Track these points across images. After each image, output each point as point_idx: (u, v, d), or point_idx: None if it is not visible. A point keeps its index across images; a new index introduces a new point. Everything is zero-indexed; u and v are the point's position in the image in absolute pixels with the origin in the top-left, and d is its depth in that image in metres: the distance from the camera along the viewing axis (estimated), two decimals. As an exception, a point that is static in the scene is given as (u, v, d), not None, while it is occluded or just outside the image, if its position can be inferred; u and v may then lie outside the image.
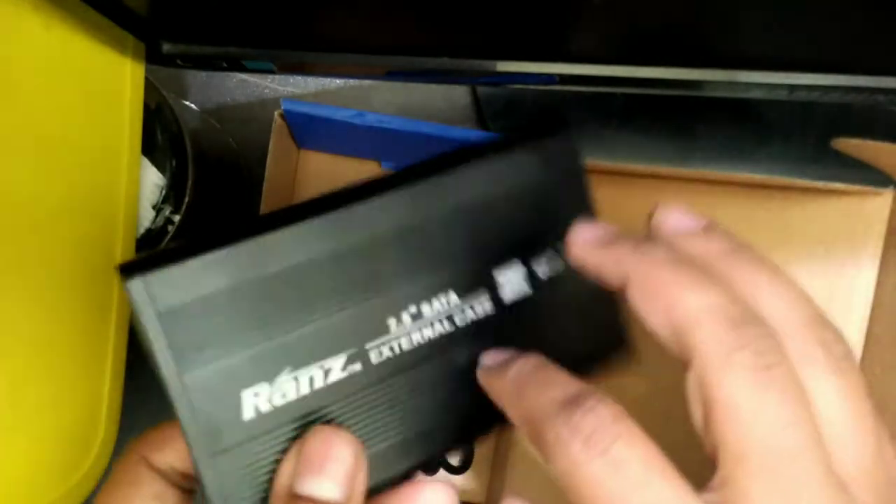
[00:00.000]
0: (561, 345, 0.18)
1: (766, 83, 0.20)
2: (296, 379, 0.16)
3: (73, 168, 0.20)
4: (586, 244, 0.17)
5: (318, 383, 0.16)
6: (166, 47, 0.22)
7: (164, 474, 0.17)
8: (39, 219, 0.19)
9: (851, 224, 0.30)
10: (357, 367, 0.16)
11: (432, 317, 0.17)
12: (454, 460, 0.34)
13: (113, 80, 0.22)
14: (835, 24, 0.17)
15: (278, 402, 0.16)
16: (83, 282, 0.21)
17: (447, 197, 0.17)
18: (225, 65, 0.23)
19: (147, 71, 0.23)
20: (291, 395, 0.16)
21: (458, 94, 0.35)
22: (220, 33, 0.22)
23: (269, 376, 0.16)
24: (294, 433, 0.16)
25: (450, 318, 0.17)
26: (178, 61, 0.23)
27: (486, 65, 0.21)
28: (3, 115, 0.18)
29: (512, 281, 0.18)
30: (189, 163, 0.27)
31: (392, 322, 0.17)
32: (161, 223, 0.26)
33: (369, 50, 0.21)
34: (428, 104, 0.36)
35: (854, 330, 0.30)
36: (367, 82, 0.36)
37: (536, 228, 0.18)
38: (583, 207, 0.19)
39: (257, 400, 0.16)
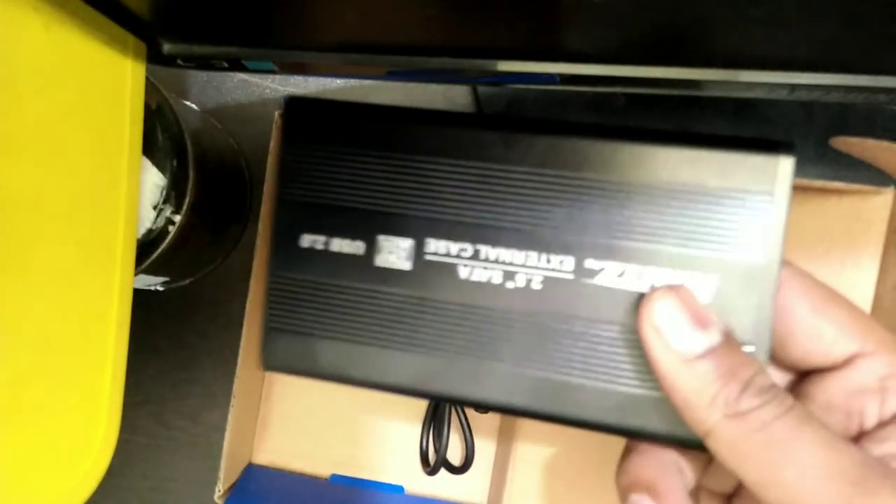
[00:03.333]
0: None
1: (766, 83, 0.20)
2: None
3: (73, 168, 0.20)
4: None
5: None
6: (167, 47, 0.22)
7: None
8: (39, 219, 0.19)
9: (851, 223, 0.30)
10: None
11: (493, 266, 0.17)
12: (455, 460, 0.34)
13: (113, 80, 0.21)
14: (835, 24, 0.17)
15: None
16: (83, 282, 0.21)
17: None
18: (226, 65, 0.23)
19: (148, 71, 0.23)
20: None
21: (459, 94, 0.35)
22: (221, 33, 0.22)
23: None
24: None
25: (514, 272, 0.17)
26: (179, 61, 0.23)
27: (487, 64, 0.21)
28: (3, 114, 0.18)
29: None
30: (190, 163, 0.27)
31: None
32: (162, 223, 0.26)
33: (370, 50, 0.21)
34: (428, 104, 0.36)
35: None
36: (367, 82, 0.36)
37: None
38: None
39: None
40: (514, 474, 0.32)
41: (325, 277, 0.18)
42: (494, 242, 0.17)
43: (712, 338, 0.16)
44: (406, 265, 0.18)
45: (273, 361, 0.19)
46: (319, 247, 0.18)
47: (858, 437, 0.17)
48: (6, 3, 0.17)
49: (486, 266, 0.18)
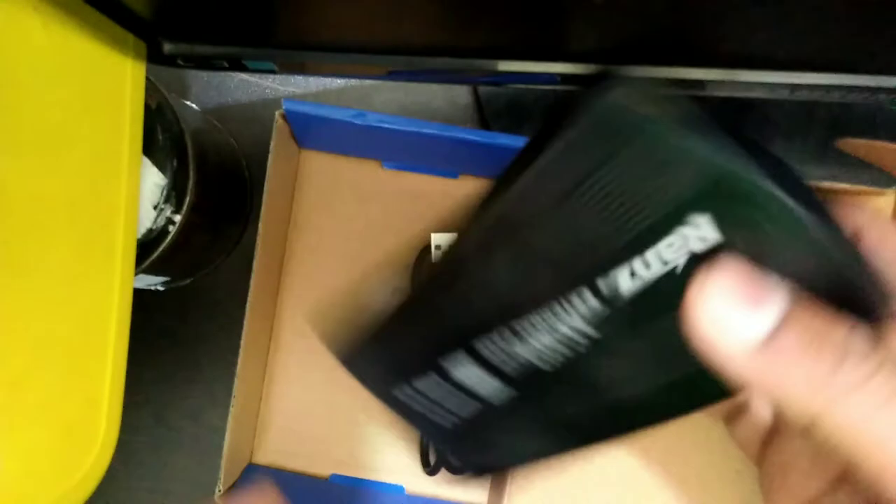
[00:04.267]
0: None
1: (767, 83, 0.20)
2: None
3: (73, 168, 0.20)
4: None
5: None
6: (167, 47, 0.22)
7: None
8: (39, 218, 0.19)
9: (853, 224, 0.30)
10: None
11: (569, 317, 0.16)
12: (456, 460, 0.34)
13: (113, 79, 0.21)
14: (836, 23, 0.17)
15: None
16: (83, 282, 0.21)
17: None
18: (226, 65, 0.23)
19: (148, 71, 0.23)
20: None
21: (459, 94, 0.35)
22: (222, 33, 0.22)
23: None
24: None
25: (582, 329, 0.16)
26: (180, 61, 0.23)
27: (488, 64, 0.21)
28: (3, 114, 0.18)
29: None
30: (190, 163, 0.27)
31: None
32: (162, 223, 0.26)
33: (370, 50, 0.21)
34: (429, 104, 0.36)
35: (856, 330, 0.30)
36: (368, 82, 0.36)
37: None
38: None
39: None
40: (515, 474, 0.32)
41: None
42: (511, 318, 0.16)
43: (776, 308, 0.12)
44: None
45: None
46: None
47: None
48: (6, 3, 0.17)
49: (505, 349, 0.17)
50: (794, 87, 0.20)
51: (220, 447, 0.30)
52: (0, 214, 0.18)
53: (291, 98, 0.29)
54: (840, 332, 0.12)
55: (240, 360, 0.30)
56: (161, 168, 0.26)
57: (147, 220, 0.26)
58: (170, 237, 0.27)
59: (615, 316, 0.15)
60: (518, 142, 0.28)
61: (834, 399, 0.12)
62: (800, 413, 0.12)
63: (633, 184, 0.13)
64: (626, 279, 0.15)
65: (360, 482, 0.35)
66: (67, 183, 0.20)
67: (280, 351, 0.36)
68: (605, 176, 0.14)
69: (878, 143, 0.27)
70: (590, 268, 0.15)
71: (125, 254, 0.23)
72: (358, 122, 0.28)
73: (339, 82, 0.36)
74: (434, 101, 0.36)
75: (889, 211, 0.30)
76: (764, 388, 0.13)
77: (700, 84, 0.20)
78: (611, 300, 0.15)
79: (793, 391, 0.12)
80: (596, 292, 0.15)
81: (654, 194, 0.13)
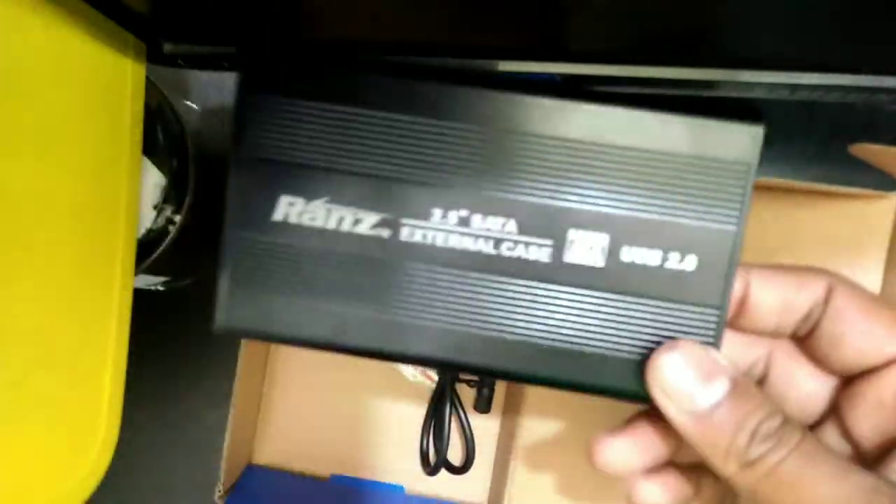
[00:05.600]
0: (591, 341, 0.17)
1: (767, 83, 0.20)
2: (328, 211, 0.17)
3: (73, 168, 0.20)
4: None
5: (345, 227, 0.17)
6: (168, 47, 0.22)
7: None
8: (39, 219, 0.19)
9: (857, 226, 0.30)
10: (384, 233, 0.17)
11: (477, 231, 0.17)
12: (455, 460, 0.34)
13: (114, 80, 0.21)
14: (836, 23, 0.17)
15: (305, 222, 0.17)
16: (83, 282, 0.21)
17: (595, 130, 0.17)
18: (226, 65, 0.23)
19: (148, 71, 0.23)
20: (318, 223, 0.17)
21: (460, 94, 0.35)
22: (222, 33, 0.22)
23: (310, 196, 0.17)
24: (305, 256, 0.18)
25: (496, 243, 0.17)
26: (180, 61, 0.23)
27: (487, 64, 0.21)
28: (3, 114, 0.18)
29: (585, 244, 0.17)
30: (190, 163, 0.27)
31: (437, 213, 0.17)
32: (162, 223, 0.26)
33: (370, 49, 0.21)
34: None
35: (857, 330, 0.30)
36: (368, 82, 0.36)
37: (657, 211, 0.17)
38: (726, 221, 0.17)
39: (290, 209, 0.17)
40: (515, 474, 0.32)
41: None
42: (477, 210, 0.17)
43: (720, 389, 0.16)
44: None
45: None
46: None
47: None
48: (6, 3, 0.17)
49: (470, 233, 0.17)
50: (794, 87, 0.20)
51: (220, 447, 0.30)
52: (0, 214, 0.18)
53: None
54: (758, 417, 0.16)
55: (240, 360, 0.30)
56: (161, 168, 0.26)
57: (147, 220, 0.26)
58: (170, 237, 0.27)
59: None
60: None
61: (741, 468, 0.16)
62: (720, 471, 0.16)
63: None
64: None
65: (360, 482, 0.35)
66: (67, 183, 0.20)
67: (280, 351, 0.36)
68: None
69: (893, 150, 0.27)
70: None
71: (125, 254, 0.23)
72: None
73: (339, 82, 0.36)
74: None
75: (892, 213, 0.30)
76: (696, 445, 0.16)
77: (700, 84, 0.20)
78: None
79: (715, 456, 0.16)
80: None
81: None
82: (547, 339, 0.17)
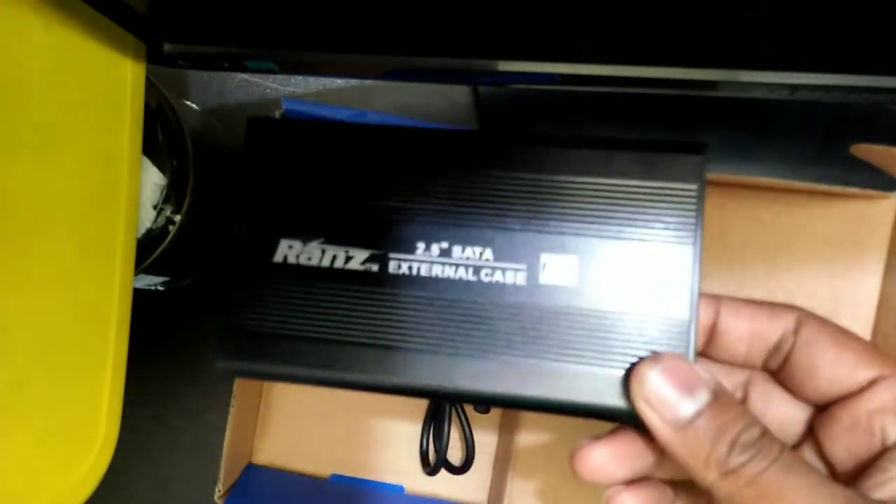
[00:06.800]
0: (571, 358, 0.18)
1: (767, 83, 0.20)
2: (323, 251, 0.19)
3: (73, 168, 0.20)
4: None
5: (338, 264, 0.19)
6: (167, 47, 0.22)
7: None
8: (39, 219, 0.19)
9: (857, 226, 0.30)
10: (374, 267, 0.19)
11: (458, 261, 0.19)
12: (455, 460, 0.34)
13: (113, 80, 0.21)
14: (836, 23, 0.17)
15: (304, 261, 0.19)
16: (83, 282, 0.21)
17: (558, 169, 0.19)
18: (226, 64, 0.23)
19: (148, 71, 0.23)
20: (314, 262, 0.19)
21: (459, 94, 0.35)
22: (222, 33, 0.22)
23: (305, 238, 0.19)
24: (302, 293, 0.19)
25: (476, 270, 0.19)
26: (180, 61, 0.23)
27: (488, 64, 0.21)
28: (3, 115, 0.18)
29: (557, 266, 0.19)
30: (190, 163, 0.27)
31: (420, 246, 0.19)
32: (162, 223, 0.26)
33: (370, 49, 0.21)
34: (429, 104, 0.36)
35: (860, 329, 0.30)
36: (368, 82, 0.36)
37: (621, 234, 0.18)
38: (684, 240, 0.18)
39: (289, 251, 0.19)
40: (515, 474, 0.32)
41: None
42: (456, 242, 0.19)
43: (700, 400, 0.17)
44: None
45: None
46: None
47: (882, 453, 0.18)
48: (6, 3, 0.17)
49: (451, 263, 0.19)
50: (794, 88, 0.20)
51: (220, 447, 0.30)
52: (0, 214, 0.18)
53: (291, 98, 0.29)
54: (738, 427, 0.17)
55: (240, 360, 0.30)
56: (161, 168, 0.26)
57: (147, 220, 0.26)
58: (170, 237, 0.27)
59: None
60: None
61: (721, 477, 0.16)
62: (700, 480, 0.17)
63: None
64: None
65: (360, 482, 0.35)
66: (67, 183, 0.20)
67: (280, 351, 0.36)
68: None
69: (894, 150, 0.27)
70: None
71: (125, 254, 0.23)
72: (358, 121, 0.28)
73: (339, 82, 0.36)
74: (434, 101, 0.36)
75: (891, 214, 0.30)
76: (677, 455, 0.17)
77: (700, 84, 0.20)
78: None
79: (695, 465, 0.17)
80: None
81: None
82: (532, 358, 0.18)
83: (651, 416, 0.17)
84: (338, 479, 0.35)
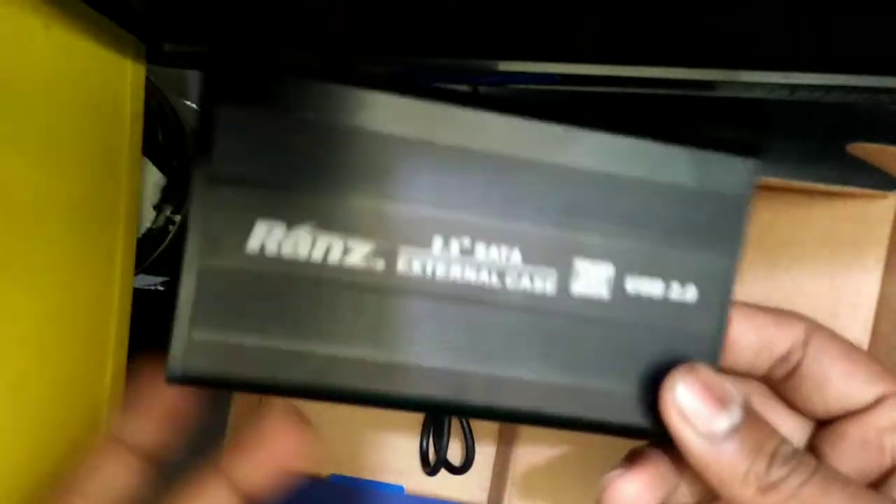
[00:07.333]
0: (595, 374, 0.17)
1: (767, 83, 0.20)
2: (314, 239, 0.15)
3: (73, 168, 0.20)
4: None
5: (333, 258, 0.15)
6: (167, 47, 0.22)
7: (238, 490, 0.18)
8: (39, 218, 0.19)
9: (856, 226, 0.30)
10: (379, 264, 0.15)
11: (482, 262, 0.16)
12: (455, 460, 0.34)
13: (114, 80, 0.21)
14: (836, 23, 0.17)
15: (286, 253, 0.15)
16: (83, 282, 0.21)
17: (602, 158, 0.16)
18: (226, 65, 0.23)
19: (148, 71, 0.23)
20: (301, 254, 0.15)
21: (460, 94, 0.35)
22: (222, 33, 0.22)
23: (291, 221, 0.15)
24: (285, 294, 0.15)
25: (500, 274, 0.16)
26: (180, 61, 0.23)
27: (487, 64, 0.21)
28: (4, 114, 0.18)
29: (590, 276, 0.16)
30: (190, 163, 0.27)
31: (438, 241, 0.15)
32: (162, 223, 0.26)
33: (370, 49, 0.21)
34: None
35: (860, 329, 0.30)
36: (368, 82, 0.36)
37: (660, 242, 0.17)
38: (726, 253, 0.17)
39: (267, 238, 0.15)
40: (515, 474, 0.32)
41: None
42: (480, 239, 0.16)
43: (735, 415, 0.16)
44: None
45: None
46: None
47: (891, 471, 0.18)
48: (6, 3, 0.17)
49: (473, 264, 0.16)
50: (794, 88, 0.20)
51: (220, 447, 0.30)
52: (0, 214, 0.18)
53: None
54: (775, 441, 0.16)
55: (240, 360, 0.30)
56: (161, 168, 0.26)
57: (147, 220, 0.26)
58: (170, 237, 0.27)
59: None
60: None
61: (760, 492, 0.16)
62: (735, 496, 0.16)
63: None
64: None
65: (360, 482, 0.35)
66: (67, 183, 0.20)
67: (280, 351, 0.36)
68: None
69: (891, 149, 0.27)
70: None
71: (125, 254, 0.23)
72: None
73: (339, 82, 0.36)
74: (434, 101, 0.36)
75: (890, 213, 0.30)
76: (709, 471, 0.16)
77: (700, 84, 0.20)
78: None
79: (732, 482, 0.16)
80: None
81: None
82: (551, 375, 0.17)
83: (685, 430, 0.16)
84: (338, 479, 0.35)
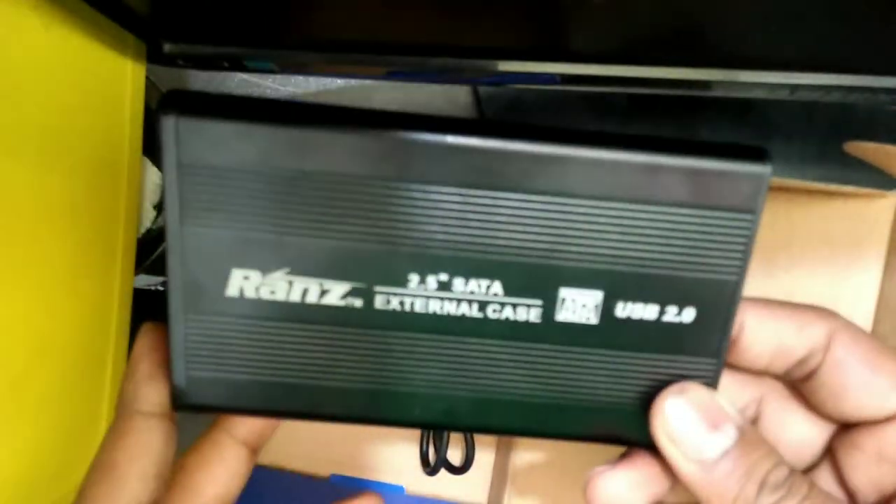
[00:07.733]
0: (586, 396, 0.16)
1: (767, 83, 0.20)
2: (290, 283, 0.15)
3: (74, 168, 0.20)
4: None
5: (311, 299, 0.15)
6: (167, 47, 0.22)
7: (244, 443, 0.19)
8: (40, 219, 0.19)
9: (856, 225, 0.30)
10: (357, 303, 0.15)
11: (461, 296, 0.15)
12: (455, 460, 0.34)
13: (114, 79, 0.21)
14: (836, 23, 0.17)
15: (265, 295, 0.15)
16: (83, 282, 0.21)
17: (587, 180, 0.15)
18: (226, 64, 0.23)
19: (148, 71, 0.23)
20: (280, 296, 0.15)
21: (460, 94, 0.35)
22: (221, 33, 0.22)
23: (266, 267, 0.15)
24: (269, 333, 0.15)
25: (481, 306, 0.15)
26: (180, 61, 0.23)
27: (488, 64, 0.21)
28: (4, 115, 0.18)
29: (576, 303, 0.16)
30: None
31: (414, 278, 0.15)
32: (162, 223, 0.26)
33: (370, 49, 0.21)
34: (429, 104, 0.36)
35: (859, 329, 0.30)
36: (368, 82, 0.36)
37: (654, 265, 0.15)
38: (726, 274, 0.15)
39: (245, 283, 0.15)
40: (515, 474, 0.32)
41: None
42: (458, 274, 0.15)
43: (727, 437, 0.16)
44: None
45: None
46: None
47: None
48: (6, 3, 0.17)
49: (452, 298, 0.16)
50: (794, 88, 0.20)
51: (220, 447, 0.30)
52: (0, 214, 0.18)
53: (291, 98, 0.29)
54: (766, 466, 0.16)
55: (240, 360, 0.30)
56: (161, 168, 0.26)
57: (147, 220, 0.26)
58: (170, 237, 0.27)
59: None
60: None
61: None
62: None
63: None
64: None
65: (360, 482, 0.35)
66: (68, 183, 0.20)
67: (280, 351, 0.36)
68: None
69: (888, 147, 0.27)
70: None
71: (125, 254, 0.23)
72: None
73: (339, 82, 0.36)
74: (434, 101, 0.36)
75: (891, 212, 0.30)
76: (700, 493, 0.16)
77: (700, 84, 0.20)
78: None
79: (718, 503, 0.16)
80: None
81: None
82: (540, 396, 0.16)
83: (674, 453, 0.16)
84: (338, 479, 0.35)
